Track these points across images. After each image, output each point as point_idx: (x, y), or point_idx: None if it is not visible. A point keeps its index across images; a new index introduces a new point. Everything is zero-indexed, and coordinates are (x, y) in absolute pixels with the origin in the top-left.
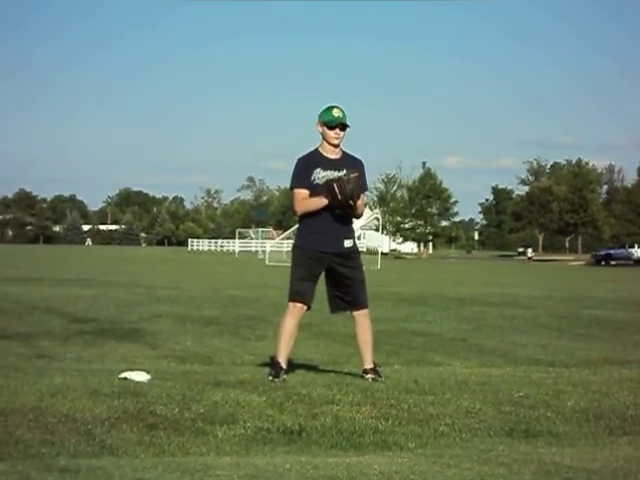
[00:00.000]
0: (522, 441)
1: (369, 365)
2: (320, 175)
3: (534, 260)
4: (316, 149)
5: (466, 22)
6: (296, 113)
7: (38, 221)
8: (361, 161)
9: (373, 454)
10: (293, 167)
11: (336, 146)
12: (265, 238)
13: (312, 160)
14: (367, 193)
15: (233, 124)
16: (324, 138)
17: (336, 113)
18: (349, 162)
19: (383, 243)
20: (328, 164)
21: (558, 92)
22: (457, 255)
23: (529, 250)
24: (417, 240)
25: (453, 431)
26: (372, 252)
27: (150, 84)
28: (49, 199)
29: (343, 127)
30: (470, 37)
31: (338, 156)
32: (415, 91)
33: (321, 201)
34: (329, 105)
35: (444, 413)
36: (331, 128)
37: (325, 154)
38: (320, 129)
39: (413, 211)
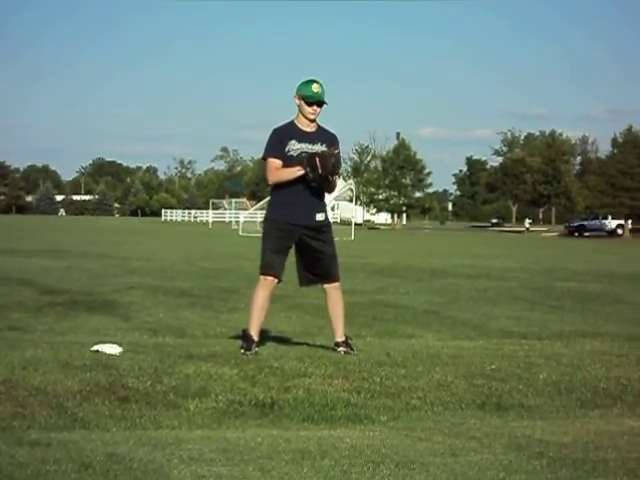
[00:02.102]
0: (494, 414)
1: (341, 338)
2: (295, 147)
3: (530, 231)
4: (292, 121)
5: None
6: (270, 83)
7: (10, 191)
8: (336, 136)
9: (345, 427)
10: (268, 137)
11: (312, 121)
12: (239, 209)
13: (287, 131)
14: (341, 164)
15: (206, 94)
16: (300, 111)
17: (315, 89)
18: (324, 136)
19: (357, 214)
20: (303, 137)
21: (533, 63)
22: (431, 226)
23: (527, 221)
24: (391, 211)
25: (425, 404)
26: (346, 223)
27: (125, 54)
28: (22, 169)
29: (320, 104)
30: (446, 9)
31: (313, 129)
32: (389, 62)
33: (295, 172)
34: (309, 79)
35: (416, 386)
36: (309, 104)
37: (300, 126)
38: (297, 101)
39: (387, 182)
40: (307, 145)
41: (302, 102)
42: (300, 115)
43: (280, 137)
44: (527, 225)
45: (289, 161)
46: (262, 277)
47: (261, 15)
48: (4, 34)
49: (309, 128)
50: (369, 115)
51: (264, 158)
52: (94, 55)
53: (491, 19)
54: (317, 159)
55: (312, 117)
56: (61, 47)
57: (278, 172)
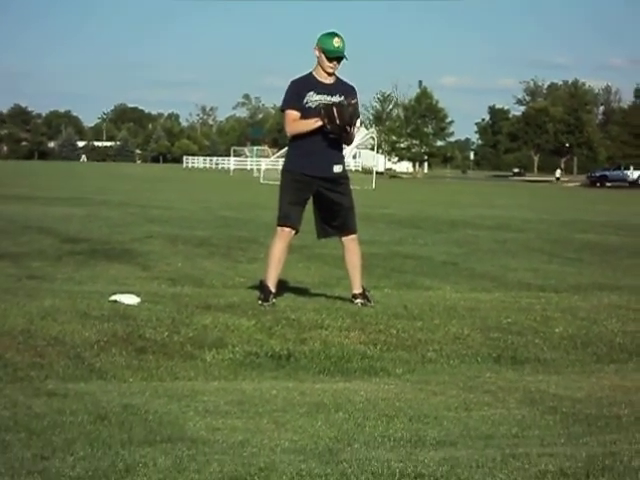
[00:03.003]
0: (509, 368)
1: (358, 290)
2: (313, 99)
3: (562, 181)
4: (310, 73)
5: None
6: (293, 30)
7: (33, 137)
8: (354, 87)
9: (360, 380)
10: (286, 89)
11: (331, 74)
12: (260, 156)
13: (306, 83)
14: (363, 112)
15: (230, 41)
16: (319, 63)
17: (336, 43)
18: (342, 88)
19: (378, 162)
20: (322, 88)
21: (557, 12)
22: (452, 175)
23: (558, 171)
24: (412, 160)
25: (441, 357)
26: (367, 171)
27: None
28: (44, 114)
29: (340, 59)
30: None
31: (332, 81)
32: (413, 10)
33: (314, 123)
34: (330, 32)
35: (432, 339)
36: (329, 59)
37: (319, 78)
38: (317, 53)
39: (409, 130)
40: (325, 97)
41: (322, 55)
42: (319, 67)
43: (298, 89)
44: (558, 175)
45: (307, 112)
46: (279, 228)
47: None
48: None
49: (327, 80)
50: (392, 63)
51: (282, 110)
52: (120, 2)
53: None
54: (334, 109)
55: (331, 71)
56: None
57: (296, 124)
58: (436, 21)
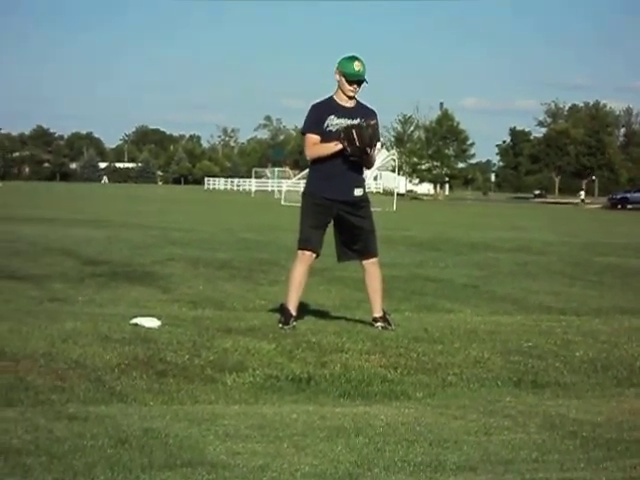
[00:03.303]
0: (529, 392)
1: (379, 313)
2: (334, 122)
3: (586, 203)
4: (331, 96)
5: None
6: (314, 52)
7: (55, 158)
8: (374, 111)
9: (381, 404)
10: (307, 112)
11: (351, 98)
12: (281, 177)
13: (326, 107)
14: (384, 133)
15: (251, 63)
16: (340, 87)
17: (357, 67)
18: (363, 111)
19: (399, 184)
20: (342, 112)
21: (577, 34)
22: (473, 197)
23: (582, 193)
24: (433, 181)
25: (461, 381)
26: (388, 193)
27: (169, 23)
28: (66, 136)
29: (360, 82)
30: None
31: (352, 105)
32: (434, 31)
33: (333, 146)
34: (350, 55)
35: (453, 362)
36: (349, 82)
37: (339, 102)
38: (338, 77)
39: (430, 152)
40: (346, 120)
41: (342, 79)
42: (339, 91)
43: (319, 113)
44: (582, 197)
45: (328, 136)
46: (300, 252)
47: None
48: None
49: (348, 104)
50: (413, 85)
51: (303, 133)
52: (138, 22)
53: None
54: (354, 131)
55: (351, 94)
56: (104, 12)
57: (316, 147)
58: (457, 43)
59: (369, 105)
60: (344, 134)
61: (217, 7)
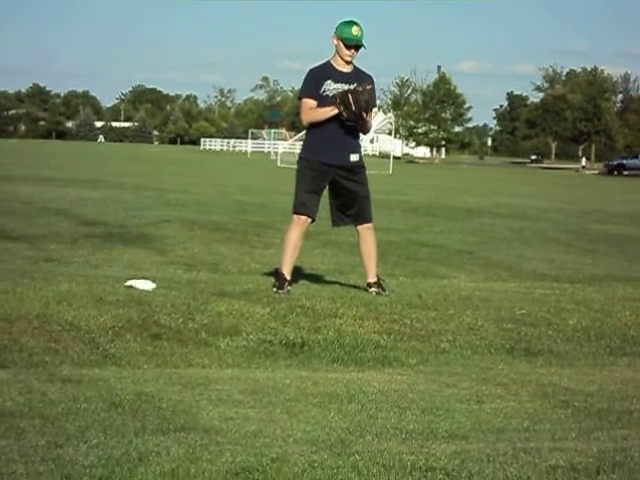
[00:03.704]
0: (522, 359)
1: (373, 279)
2: (331, 87)
3: (586, 169)
4: (328, 61)
5: None
6: (312, 14)
7: (51, 116)
8: (372, 77)
9: (374, 370)
10: (304, 77)
11: (349, 63)
12: (278, 139)
13: (323, 71)
14: (381, 96)
15: (248, 23)
16: (337, 52)
17: (355, 31)
18: (360, 77)
19: (396, 147)
20: (339, 77)
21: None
22: (469, 161)
23: (583, 159)
24: (430, 145)
25: (454, 348)
26: (385, 156)
27: None
28: (62, 94)
29: (358, 47)
30: None
31: (350, 70)
32: None
33: (329, 111)
34: (349, 20)
35: (446, 329)
36: (347, 47)
37: (337, 67)
38: (335, 42)
39: (427, 116)
40: (343, 85)
41: (340, 43)
42: (337, 56)
43: (316, 77)
44: (584, 164)
45: (324, 101)
46: (295, 216)
47: None
48: None
49: (345, 69)
50: (410, 48)
51: (299, 98)
52: None
53: None
54: (349, 95)
55: (349, 59)
56: None
57: (312, 112)
58: (455, 6)
59: (366, 70)
60: (340, 99)
61: None
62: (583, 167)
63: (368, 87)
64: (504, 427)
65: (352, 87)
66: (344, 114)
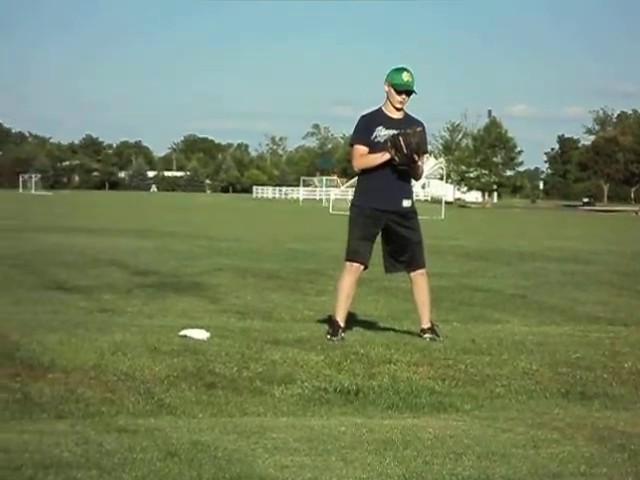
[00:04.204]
0: (577, 403)
1: (426, 324)
2: (382, 133)
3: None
4: (379, 108)
5: None
6: (363, 61)
7: (104, 167)
8: (422, 123)
9: (429, 416)
10: (355, 123)
11: (399, 110)
12: (329, 186)
13: (375, 118)
14: (432, 142)
15: (298, 70)
16: (389, 98)
17: (405, 77)
18: (411, 122)
19: (447, 192)
20: (390, 123)
21: (626, 41)
22: (521, 205)
23: None
24: (482, 189)
25: (509, 392)
26: (436, 201)
27: (220, 30)
28: (115, 145)
29: (409, 93)
30: None
31: (401, 116)
32: (482, 39)
33: (381, 156)
34: (399, 67)
35: (501, 374)
36: (398, 93)
37: (388, 113)
38: (387, 88)
39: (478, 160)
40: (394, 132)
41: (391, 89)
42: (388, 102)
43: (367, 123)
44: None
45: (376, 147)
46: (348, 264)
47: None
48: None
49: (396, 115)
50: (461, 93)
51: (351, 145)
52: (188, 31)
53: None
54: (400, 138)
55: (400, 106)
56: (156, 23)
57: (364, 158)
58: (505, 50)
59: (417, 117)
60: (391, 142)
61: (267, 14)
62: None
63: (418, 129)
64: (561, 472)
65: (402, 130)
66: (396, 158)
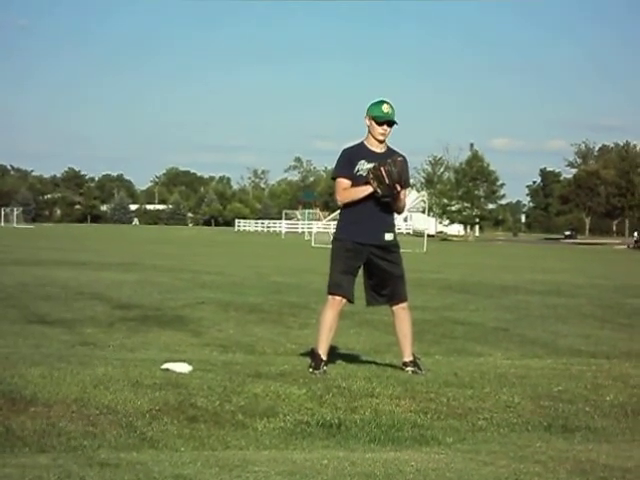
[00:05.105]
0: (559, 436)
1: (409, 358)
2: (364, 167)
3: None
4: (362, 142)
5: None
6: (344, 95)
7: (86, 200)
8: (404, 156)
9: (411, 449)
10: (337, 157)
11: (381, 142)
12: (312, 219)
13: (357, 152)
14: (414, 175)
15: (280, 104)
16: (370, 132)
17: (385, 109)
18: (393, 156)
19: (429, 225)
20: (373, 157)
21: (607, 74)
22: (504, 238)
23: (635, 233)
24: (464, 222)
25: (491, 425)
26: (418, 234)
27: (201, 62)
28: (97, 178)
29: (390, 124)
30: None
31: (383, 150)
32: (462, 72)
33: (363, 190)
34: (379, 100)
35: (483, 407)
36: (379, 124)
37: (370, 147)
38: (368, 122)
39: (460, 193)
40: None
41: (372, 122)
42: (370, 136)
43: (350, 157)
44: (636, 237)
45: (358, 180)
46: (330, 297)
47: (332, 21)
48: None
49: (379, 149)
50: (442, 126)
51: (333, 178)
52: (168, 62)
53: (563, 29)
54: (381, 168)
55: (382, 138)
56: (136, 53)
57: (347, 192)
58: (487, 84)
59: (399, 151)
60: (372, 174)
61: (246, 46)
62: (636, 242)
63: (399, 159)
64: None
65: (383, 161)
66: (378, 190)
